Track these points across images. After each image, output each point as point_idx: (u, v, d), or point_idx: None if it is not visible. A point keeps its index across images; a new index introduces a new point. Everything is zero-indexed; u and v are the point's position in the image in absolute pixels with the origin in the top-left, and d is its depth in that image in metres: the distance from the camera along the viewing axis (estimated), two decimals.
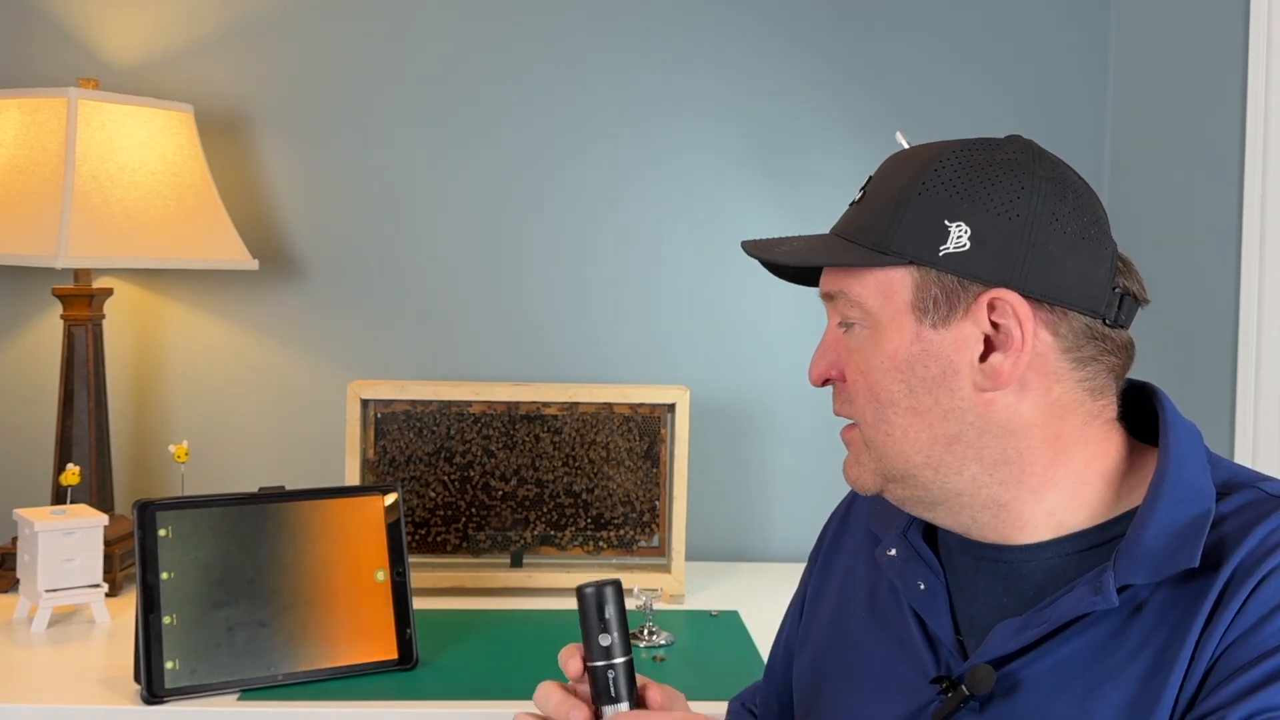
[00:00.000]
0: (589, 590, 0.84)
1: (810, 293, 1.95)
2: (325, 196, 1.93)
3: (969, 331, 0.82)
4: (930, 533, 0.94)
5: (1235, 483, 0.83)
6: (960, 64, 1.95)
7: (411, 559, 1.71)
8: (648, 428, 1.77)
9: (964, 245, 0.82)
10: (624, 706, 0.83)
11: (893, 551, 0.93)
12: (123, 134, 1.68)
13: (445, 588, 1.71)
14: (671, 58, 1.94)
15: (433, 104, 1.93)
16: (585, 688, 0.86)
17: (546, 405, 1.76)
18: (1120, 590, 0.78)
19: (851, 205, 0.89)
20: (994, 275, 0.82)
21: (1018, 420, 0.83)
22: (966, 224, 0.82)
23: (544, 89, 1.94)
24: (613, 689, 0.83)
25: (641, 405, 1.76)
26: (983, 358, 0.82)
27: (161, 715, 1.29)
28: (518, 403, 1.75)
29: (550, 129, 1.94)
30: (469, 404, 1.76)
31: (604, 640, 0.83)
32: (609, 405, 1.76)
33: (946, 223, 0.82)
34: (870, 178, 0.88)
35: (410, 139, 1.93)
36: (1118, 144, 1.94)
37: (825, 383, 0.90)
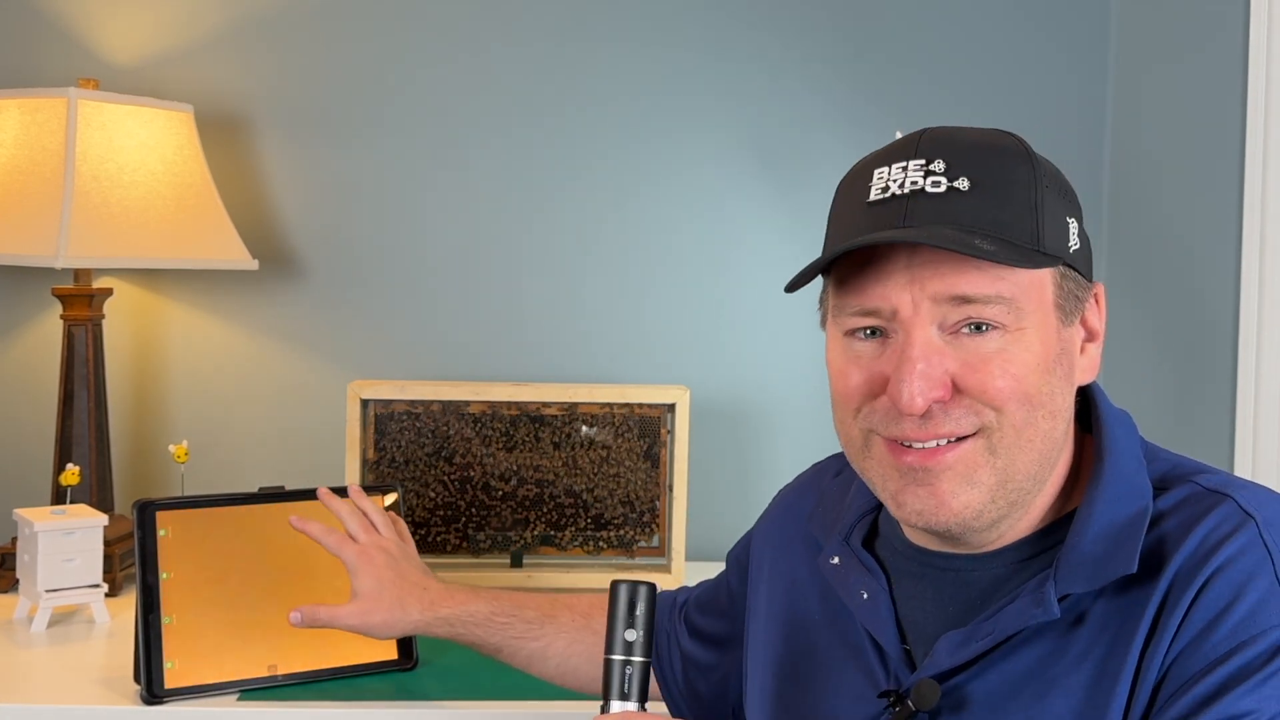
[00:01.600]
0: (623, 585, 0.83)
1: (810, 292, 1.94)
2: (325, 196, 1.93)
3: (1078, 327, 0.83)
4: (869, 537, 0.92)
5: (1172, 476, 0.82)
6: (959, 66, 1.95)
7: None
8: (648, 428, 1.77)
9: (1077, 243, 0.82)
10: (632, 706, 0.82)
11: (835, 560, 0.90)
12: (123, 134, 1.68)
13: None
14: (672, 61, 1.94)
15: (433, 104, 1.93)
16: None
17: (546, 405, 1.76)
18: (1062, 599, 0.77)
19: (939, 192, 0.78)
20: (1090, 271, 0.83)
21: (1069, 417, 0.83)
22: (1076, 221, 0.82)
23: (546, 90, 1.94)
24: (625, 685, 0.82)
25: (641, 405, 1.76)
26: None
27: (161, 715, 1.29)
28: (518, 403, 1.75)
29: (551, 129, 1.94)
30: (469, 404, 1.76)
31: (629, 635, 0.82)
32: (609, 405, 1.76)
33: (1067, 219, 0.81)
34: (945, 161, 0.79)
35: (410, 139, 1.93)
36: (1118, 144, 1.94)
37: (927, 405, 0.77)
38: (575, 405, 1.76)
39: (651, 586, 0.83)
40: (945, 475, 0.78)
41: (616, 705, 0.82)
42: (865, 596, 0.87)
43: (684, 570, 1.73)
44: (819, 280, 0.87)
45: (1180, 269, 1.69)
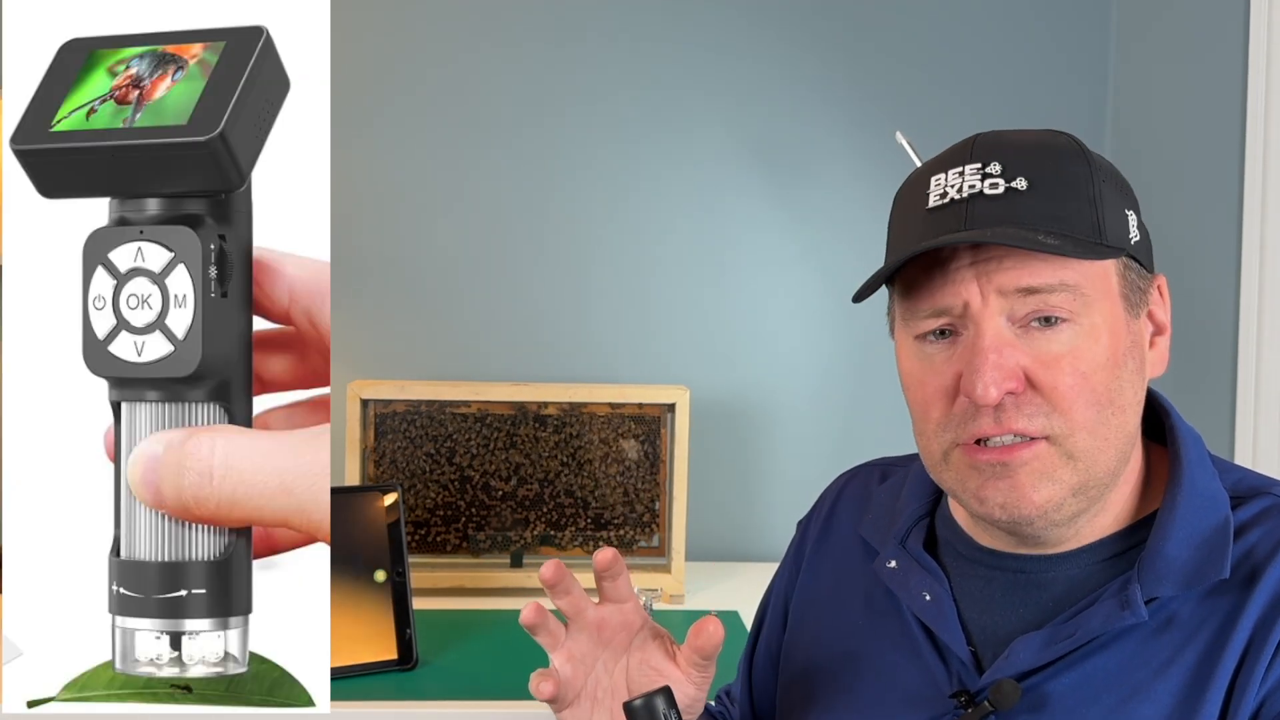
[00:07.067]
0: (638, 703, 0.79)
1: (810, 292, 1.95)
2: None
3: (1145, 320, 0.83)
4: (929, 541, 0.91)
5: (1246, 487, 0.82)
6: (959, 65, 1.95)
7: (411, 559, 1.71)
8: (648, 428, 1.77)
9: (1137, 235, 0.82)
10: None
11: (893, 563, 0.90)
12: None
13: (445, 588, 1.71)
14: (673, 62, 1.94)
15: (434, 104, 1.93)
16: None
17: (546, 405, 1.76)
18: (1148, 603, 0.77)
19: (998, 193, 0.79)
20: (1150, 263, 0.84)
21: (1140, 410, 0.83)
22: (1134, 213, 0.83)
23: (547, 90, 1.94)
24: None
25: (641, 405, 1.76)
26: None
27: (165, 715, 1.29)
28: (518, 403, 1.75)
29: (551, 129, 1.94)
30: (469, 404, 1.76)
31: None
32: (609, 405, 1.76)
33: (1126, 211, 0.82)
34: (1001, 164, 0.80)
35: (411, 139, 1.93)
36: (1118, 143, 1.94)
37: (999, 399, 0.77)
38: (575, 405, 1.76)
39: (666, 690, 0.80)
40: (1023, 470, 0.78)
41: None
42: (928, 599, 0.86)
43: (684, 570, 1.73)
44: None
45: (1180, 269, 1.69)
